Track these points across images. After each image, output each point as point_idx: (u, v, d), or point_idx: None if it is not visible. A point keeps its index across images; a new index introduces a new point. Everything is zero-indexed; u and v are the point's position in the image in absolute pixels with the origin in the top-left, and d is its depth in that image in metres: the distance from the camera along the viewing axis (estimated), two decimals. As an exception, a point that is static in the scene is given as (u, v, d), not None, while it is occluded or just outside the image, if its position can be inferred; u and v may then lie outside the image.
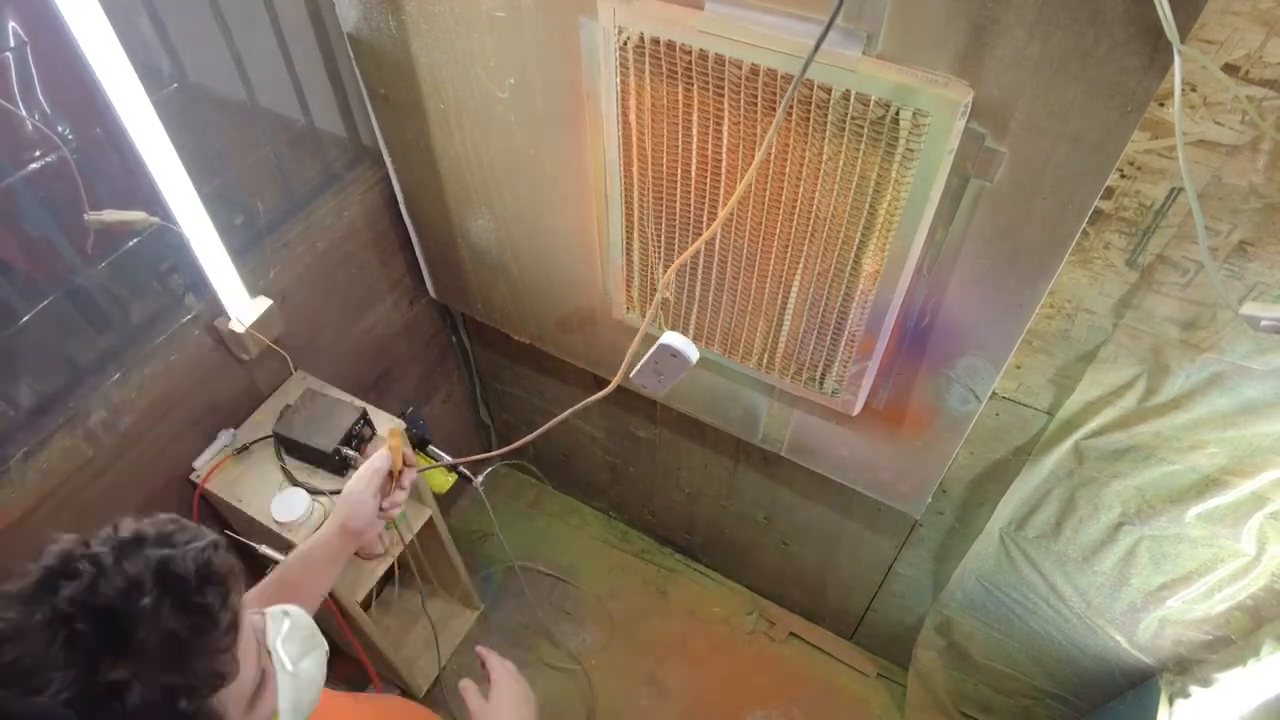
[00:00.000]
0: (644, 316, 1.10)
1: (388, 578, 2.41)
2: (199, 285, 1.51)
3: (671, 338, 1.08)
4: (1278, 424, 1.16)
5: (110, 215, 1.27)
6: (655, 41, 1.09)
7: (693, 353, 1.02)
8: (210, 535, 0.65)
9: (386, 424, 1.69)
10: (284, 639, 0.73)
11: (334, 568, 1.04)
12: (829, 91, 1.01)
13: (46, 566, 0.58)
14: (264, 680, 0.68)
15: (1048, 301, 1.24)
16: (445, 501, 2.63)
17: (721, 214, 1.13)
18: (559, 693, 2.30)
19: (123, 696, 0.56)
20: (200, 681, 0.59)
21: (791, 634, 2.43)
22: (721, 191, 1.22)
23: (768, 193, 1.17)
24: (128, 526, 0.63)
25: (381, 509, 1.05)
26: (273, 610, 0.75)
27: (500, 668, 0.99)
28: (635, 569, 2.58)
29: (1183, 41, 0.80)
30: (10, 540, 1.30)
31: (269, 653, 0.71)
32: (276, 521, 1.51)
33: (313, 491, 1.56)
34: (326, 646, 0.79)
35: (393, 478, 1.08)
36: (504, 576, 2.53)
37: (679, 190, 1.26)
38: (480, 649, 1.03)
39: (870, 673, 2.35)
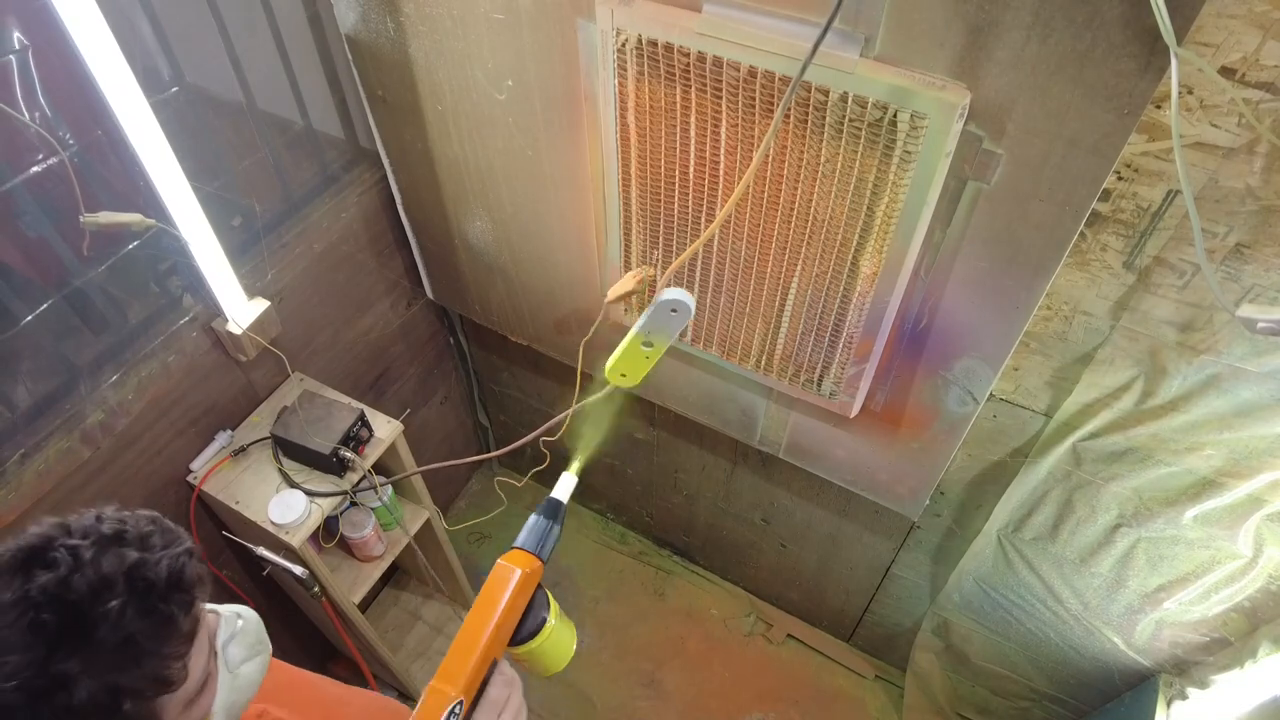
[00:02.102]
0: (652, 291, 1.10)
1: (385, 579, 2.41)
2: (197, 287, 1.51)
3: (673, 292, 1.05)
4: (1274, 426, 1.16)
5: (105, 217, 1.26)
6: (653, 43, 1.09)
7: (692, 302, 1.01)
8: (187, 542, 0.66)
9: (384, 425, 1.68)
10: (234, 641, 0.74)
11: None
12: (827, 94, 1.01)
13: (25, 547, 0.60)
14: (206, 682, 0.68)
15: (1045, 303, 1.24)
16: (443, 503, 2.63)
17: (720, 216, 1.13)
18: (557, 694, 2.30)
19: (70, 689, 0.56)
20: (148, 686, 0.60)
21: (789, 636, 2.43)
22: (719, 193, 1.22)
23: (766, 194, 1.17)
24: (110, 521, 0.63)
25: None
26: (227, 611, 0.76)
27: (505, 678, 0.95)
28: (633, 571, 2.58)
29: (1179, 44, 0.80)
30: (6, 541, 1.29)
31: (215, 654, 0.71)
32: (274, 523, 1.51)
33: (310, 493, 1.56)
34: (270, 650, 0.79)
35: None
36: (502, 578, 2.52)
37: (677, 192, 1.26)
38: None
39: (868, 675, 2.35)
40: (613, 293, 1.08)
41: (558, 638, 0.89)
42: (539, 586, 0.88)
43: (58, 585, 0.58)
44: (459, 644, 0.78)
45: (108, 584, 0.59)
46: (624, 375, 1.12)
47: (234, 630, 0.74)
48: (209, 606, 0.73)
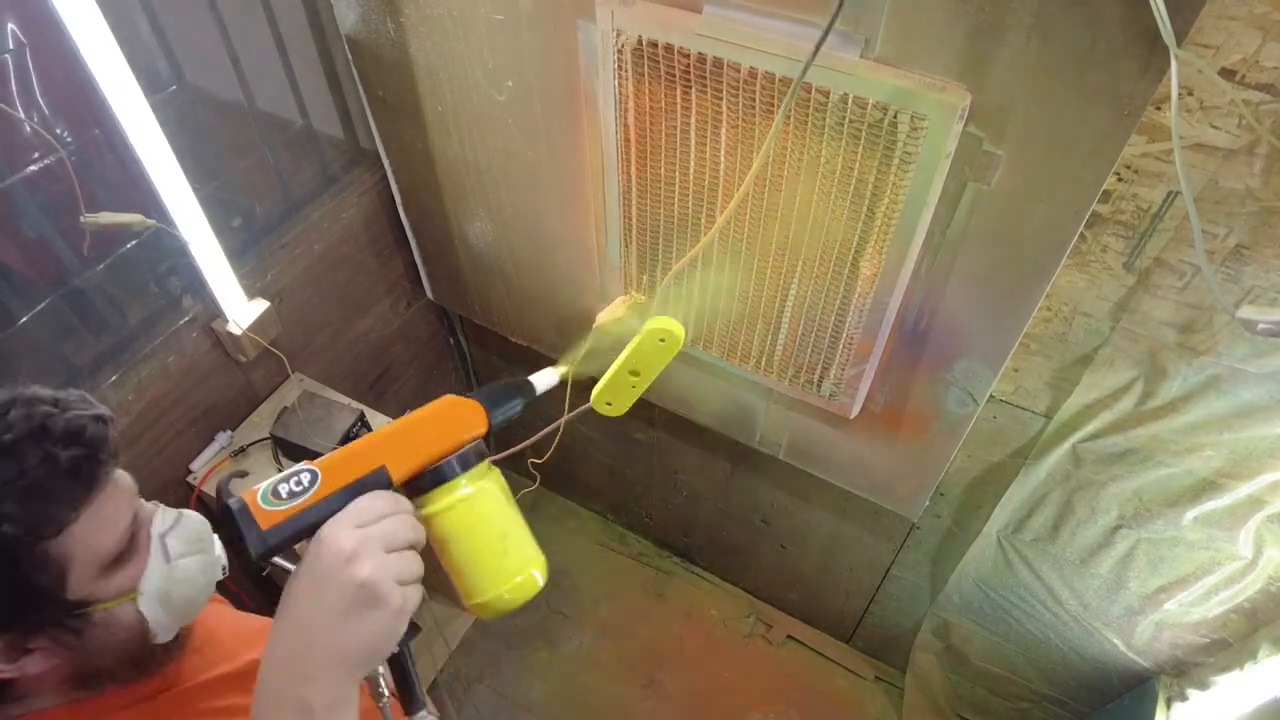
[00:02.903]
0: (642, 319, 1.10)
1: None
2: (196, 287, 1.51)
3: (661, 321, 1.04)
4: (1274, 427, 1.16)
5: (106, 217, 1.26)
6: (653, 44, 1.09)
7: (681, 332, 0.99)
8: (100, 409, 0.69)
9: (384, 425, 1.68)
10: (172, 533, 0.75)
11: None
12: (827, 95, 1.01)
13: None
14: (131, 554, 0.71)
15: (1045, 304, 1.24)
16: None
17: (720, 217, 1.13)
18: (557, 695, 2.30)
19: None
20: (30, 520, 0.63)
21: (789, 637, 2.43)
22: (720, 194, 1.22)
23: (766, 196, 1.17)
24: (35, 388, 0.68)
25: None
26: (166, 507, 0.78)
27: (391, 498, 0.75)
28: (633, 572, 2.58)
29: (1179, 46, 0.80)
30: (6, 542, 1.29)
31: (149, 537, 0.73)
32: (273, 524, 1.51)
33: (310, 494, 1.56)
34: (221, 559, 0.80)
35: None
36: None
37: (677, 193, 1.26)
38: None
39: (868, 676, 2.35)
40: (602, 318, 1.07)
41: (469, 517, 0.67)
42: (475, 445, 0.70)
43: None
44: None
45: (7, 426, 0.64)
46: (609, 404, 1.10)
47: (173, 523, 0.76)
48: (154, 503, 0.76)
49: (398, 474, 0.67)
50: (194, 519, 0.78)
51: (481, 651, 2.39)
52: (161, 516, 0.75)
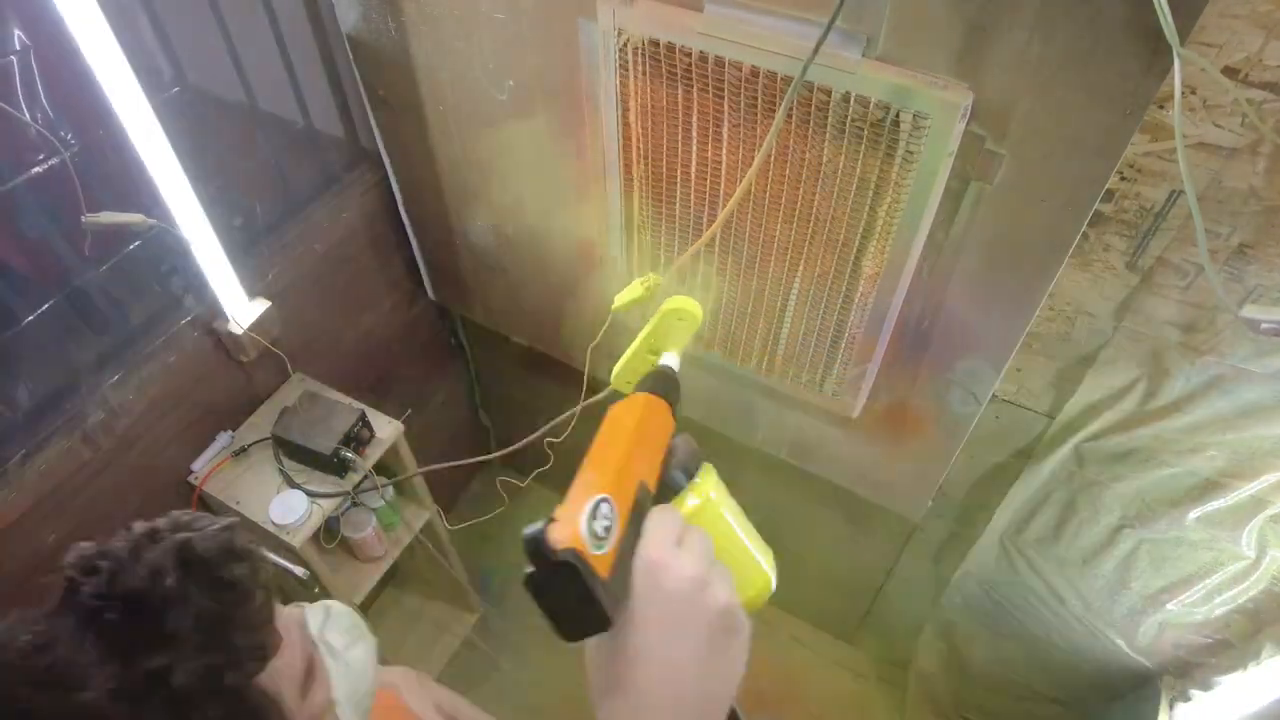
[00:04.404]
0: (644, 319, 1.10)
1: (387, 580, 2.41)
2: (198, 287, 1.51)
3: (678, 300, 1.05)
4: (1277, 427, 1.16)
5: (107, 217, 1.27)
6: (655, 43, 1.09)
7: (699, 310, 0.99)
8: (226, 520, 0.63)
9: (385, 425, 1.68)
10: (328, 627, 0.71)
11: None
12: (829, 94, 1.01)
13: (65, 574, 0.57)
14: (312, 668, 0.65)
15: (1048, 304, 1.24)
16: (445, 504, 2.63)
17: (721, 216, 1.13)
18: (559, 696, 2.30)
19: (166, 680, 0.54)
20: (242, 656, 0.57)
21: (792, 637, 2.43)
22: (721, 194, 1.22)
23: (767, 195, 1.17)
24: (140, 525, 0.60)
25: None
26: (308, 604, 0.73)
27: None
28: (634, 572, 2.57)
29: (1182, 44, 0.79)
30: (8, 541, 1.30)
31: (315, 643, 0.68)
32: (275, 524, 1.51)
33: (311, 494, 1.56)
34: (374, 640, 0.76)
35: None
36: (504, 579, 2.52)
37: (678, 192, 1.26)
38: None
39: (871, 676, 2.34)
40: (619, 300, 1.06)
41: (719, 521, 0.61)
42: (679, 440, 0.63)
43: (108, 585, 0.55)
44: (584, 468, 0.55)
45: (158, 570, 0.56)
46: (629, 383, 1.11)
47: (325, 617, 0.72)
48: (293, 604, 0.70)
49: (652, 486, 0.58)
50: (340, 607, 0.74)
51: (483, 653, 2.38)
52: (310, 614, 0.70)
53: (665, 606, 0.50)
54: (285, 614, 0.64)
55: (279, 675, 0.60)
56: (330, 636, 0.70)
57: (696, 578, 0.50)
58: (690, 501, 0.60)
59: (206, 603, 0.56)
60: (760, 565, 0.61)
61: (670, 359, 0.80)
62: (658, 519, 0.53)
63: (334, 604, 0.75)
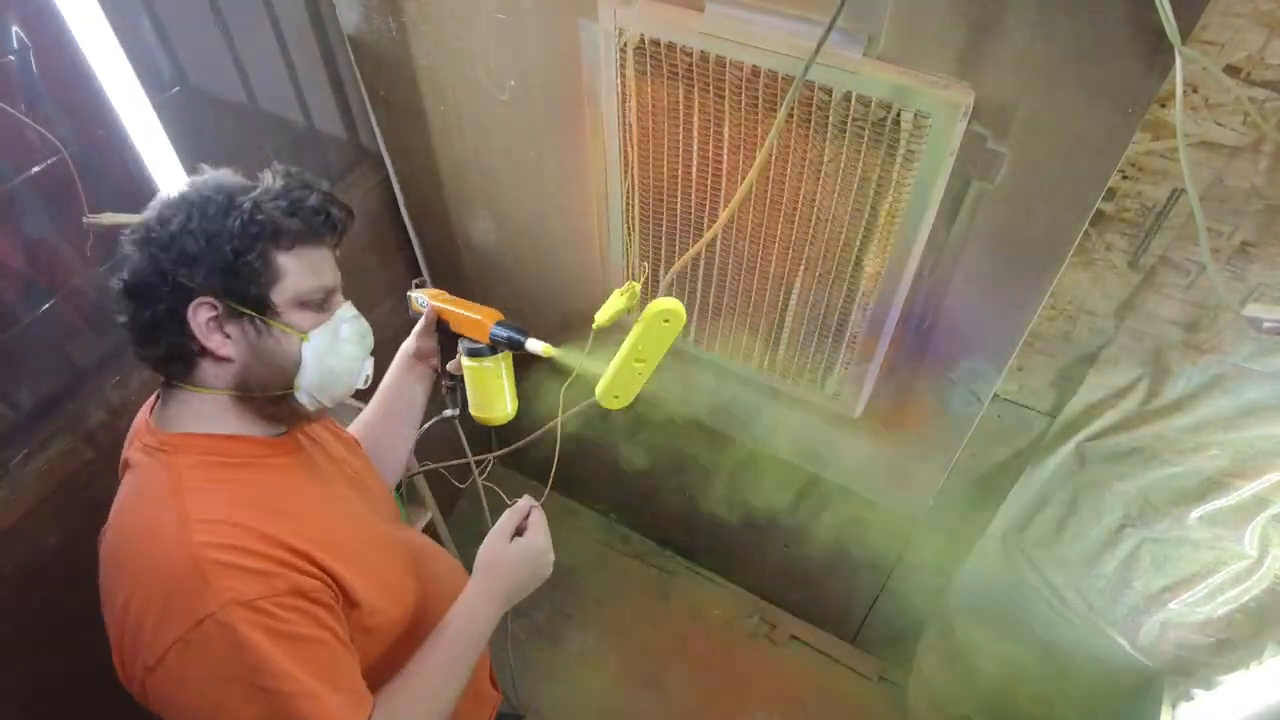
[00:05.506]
0: (641, 307, 1.10)
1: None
2: (199, 287, 1.51)
3: (663, 302, 1.05)
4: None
5: (109, 217, 1.26)
6: (656, 43, 1.09)
7: (683, 311, 1.03)
8: (319, 197, 0.93)
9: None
10: (347, 323, 0.95)
11: (401, 400, 1.31)
12: (830, 93, 1.01)
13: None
14: (320, 311, 0.91)
15: (1049, 303, 1.24)
16: (445, 504, 2.63)
17: (723, 216, 1.13)
18: (561, 695, 2.30)
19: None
20: (288, 224, 0.87)
21: (793, 637, 2.43)
22: (722, 193, 1.22)
23: (769, 194, 1.17)
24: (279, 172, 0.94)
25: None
26: (354, 306, 0.99)
27: (538, 524, 1.12)
28: (636, 571, 2.57)
29: (1184, 43, 0.79)
30: (9, 542, 1.30)
31: (334, 316, 0.94)
32: (276, 524, 1.51)
33: (313, 494, 1.55)
34: (368, 368, 1.00)
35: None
36: (504, 579, 2.52)
37: (680, 192, 1.26)
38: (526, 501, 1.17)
39: (872, 675, 2.34)
40: (601, 316, 1.04)
41: (481, 378, 1.20)
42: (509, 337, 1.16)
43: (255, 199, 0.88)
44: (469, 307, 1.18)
45: (305, 182, 0.93)
46: (616, 397, 1.12)
47: (352, 317, 0.95)
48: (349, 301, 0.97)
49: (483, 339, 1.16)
50: (367, 325, 0.99)
51: (485, 651, 2.38)
52: (348, 307, 0.96)
53: (524, 557, 1.06)
54: (335, 274, 0.97)
55: (293, 269, 0.88)
56: (344, 328, 0.94)
57: (546, 548, 1.09)
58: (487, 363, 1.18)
59: (307, 200, 0.91)
60: (505, 408, 1.27)
61: (534, 344, 1.17)
62: (519, 519, 1.12)
63: (366, 322, 1.00)
